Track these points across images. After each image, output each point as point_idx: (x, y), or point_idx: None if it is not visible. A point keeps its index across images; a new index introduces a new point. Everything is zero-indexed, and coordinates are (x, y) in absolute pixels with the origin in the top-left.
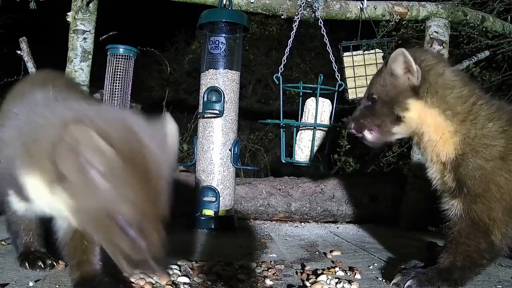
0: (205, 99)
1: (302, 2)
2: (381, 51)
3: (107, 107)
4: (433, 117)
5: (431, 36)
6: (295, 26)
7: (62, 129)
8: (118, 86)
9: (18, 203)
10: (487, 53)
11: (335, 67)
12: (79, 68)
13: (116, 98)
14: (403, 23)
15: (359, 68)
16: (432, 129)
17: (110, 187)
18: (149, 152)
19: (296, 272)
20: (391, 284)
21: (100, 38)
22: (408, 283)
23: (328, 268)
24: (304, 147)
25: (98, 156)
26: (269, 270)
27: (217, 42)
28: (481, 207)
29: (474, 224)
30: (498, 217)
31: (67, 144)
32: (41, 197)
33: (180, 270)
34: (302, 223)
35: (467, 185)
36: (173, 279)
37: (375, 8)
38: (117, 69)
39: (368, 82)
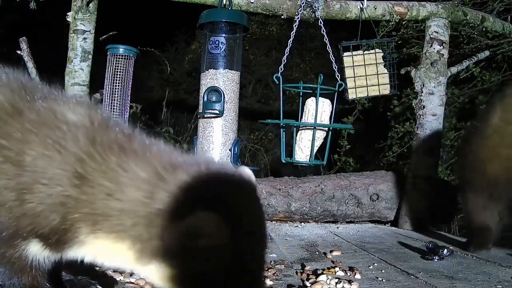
0: (205, 99)
1: (302, 2)
2: (381, 51)
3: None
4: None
5: (431, 36)
6: (295, 26)
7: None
8: (118, 86)
9: (40, 251)
10: (487, 53)
11: (335, 67)
12: (79, 68)
13: (116, 98)
14: (403, 23)
15: (359, 68)
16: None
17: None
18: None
19: (296, 272)
20: None
21: (100, 38)
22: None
23: (328, 268)
24: (304, 147)
25: (220, 246)
26: (269, 270)
27: (217, 42)
28: None
29: None
30: None
31: (186, 235)
32: (109, 259)
33: None
34: (302, 223)
35: None
36: None
37: (375, 8)
38: (117, 69)
39: (368, 82)
